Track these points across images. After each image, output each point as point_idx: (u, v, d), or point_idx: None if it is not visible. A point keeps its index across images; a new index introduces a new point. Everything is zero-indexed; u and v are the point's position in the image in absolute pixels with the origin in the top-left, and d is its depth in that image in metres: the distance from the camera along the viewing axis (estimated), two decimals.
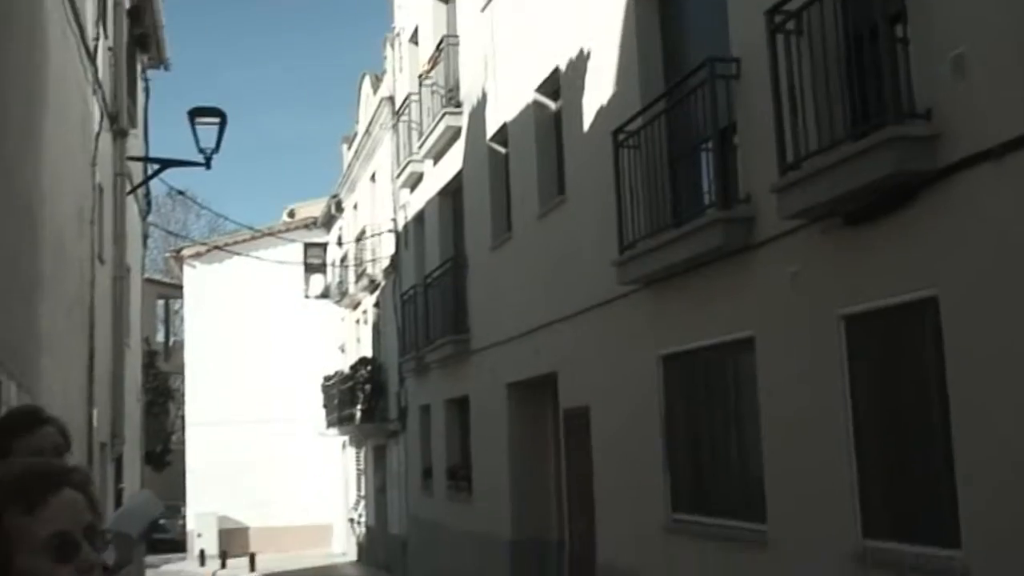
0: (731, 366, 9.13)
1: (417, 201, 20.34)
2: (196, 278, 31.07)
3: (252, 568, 25.71)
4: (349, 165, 27.15)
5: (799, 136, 7.12)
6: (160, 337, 35.56)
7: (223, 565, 26.97)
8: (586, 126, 11.96)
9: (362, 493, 26.56)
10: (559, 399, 12.92)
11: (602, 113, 11.39)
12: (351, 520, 27.58)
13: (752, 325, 8.36)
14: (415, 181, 20.32)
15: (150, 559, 29.64)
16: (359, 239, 25.20)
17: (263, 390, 29.30)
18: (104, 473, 12.69)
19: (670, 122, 9.63)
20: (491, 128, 15.51)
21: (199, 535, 29.17)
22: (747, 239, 8.30)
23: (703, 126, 8.88)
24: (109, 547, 3.71)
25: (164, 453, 27.75)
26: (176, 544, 29.86)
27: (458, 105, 17.19)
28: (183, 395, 30.97)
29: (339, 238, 28.73)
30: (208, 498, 29.26)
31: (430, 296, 17.88)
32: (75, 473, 1.93)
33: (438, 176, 18.66)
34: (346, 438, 27.59)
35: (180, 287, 32.50)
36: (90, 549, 1.82)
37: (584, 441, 11.85)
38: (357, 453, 27.41)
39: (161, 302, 36.20)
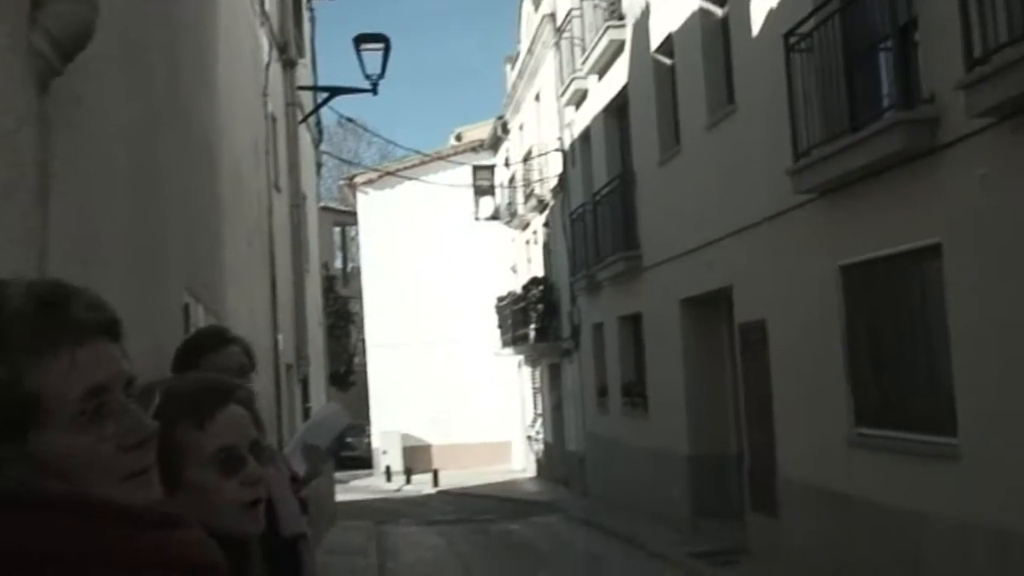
0: (916, 274, 8.72)
1: (582, 119, 20.14)
2: (369, 204, 31.83)
3: (435, 483, 26.57)
4: (513, 86, 27.08)
5: (987, 28, 6.61)
6: (338, 263, 36.76)
7: (408, 481, 27.97)
8: (755, 31, 11.50)
9: (538, 411, 26.95)
10: (734, 313, 12.70)
11: (771, 16, 10.91)
12: (529, 437, 28.09)
13: (938, 232, 7.93)
14: (580, 98, 20.09)
15: (339, 475, 31.07)
16: (526, 160, 25.22)
17: (439, 312, 30.00)
18: (291, 394, 13.26)
19: (844, 21, 9.13)
20: (655, 39, 15.13)
21: (384, 452, 30.32)
22: (931, 141, 7.84)
23: (880, 24, 8.38)
24: (300, 458, 3.76)
25: (347, 374, 28.79)
26: (363, 461, 31.14)
27: (621, 18, 16.81)
28: (363, 318, 31.99)
29: (506, 159, 28.84)
30: (391, 417, 30.33)
31: (599, 214, 17.77)
32: (241, 390, 1.95)
33: (603, 92, 18.39)
34: (521, 357, 27.98)
35: (354, 214, 33.40)
36: (255, 463, 1.84)
37: (761, 355, 11.62)
38: (532, 372, 27.78)
39: (337, 229, 37.33)
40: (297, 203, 14.57)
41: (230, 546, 1.87)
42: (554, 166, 22.62)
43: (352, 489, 26.08)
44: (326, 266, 24.64)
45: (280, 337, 11.79)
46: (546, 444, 25.78)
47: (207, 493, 1.89)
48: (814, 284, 10.16)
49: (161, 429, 1.84)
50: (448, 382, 30.21)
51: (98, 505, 1.28)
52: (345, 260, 38.55)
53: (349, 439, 37.20)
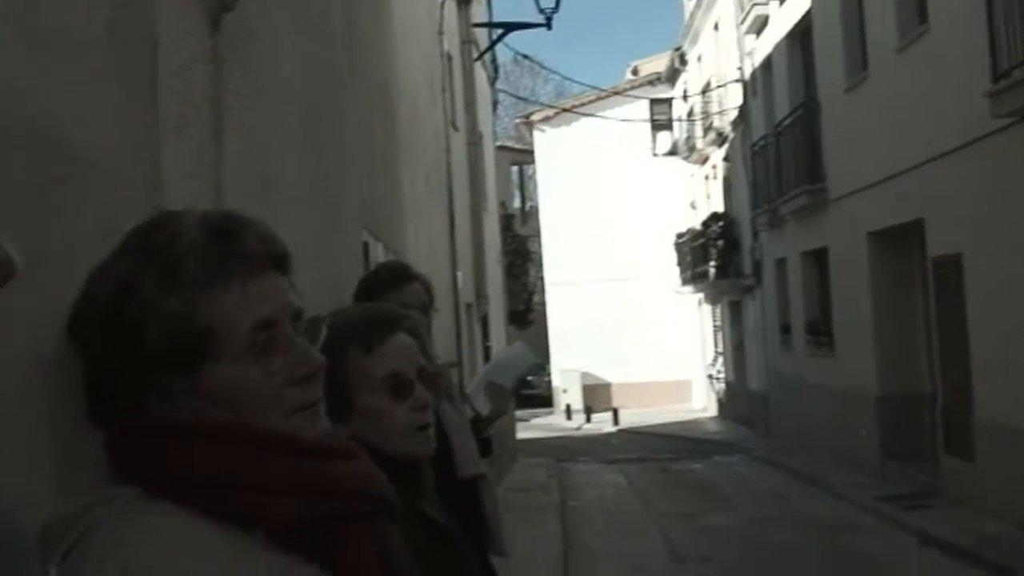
0: None
1: (763, 47, 19.43)
2: (546, 142, 31.79)
3: (615, 422, 26.64)
4: (691, 16, 26.37)
5: None
6: (516, 203, 37.00)
7: (588, 419, 28.15)
8: None
9: (719, 349, 26.58)
10: (926, 247, 12.07)
11: None
12: (710, 376, 27.76)
13: None
14: (760, 25, 19.37)
15: (519, 413, 31.57)
16: (704, 92, 24.60)
17: (617, 249, 29.83)
18: (471, 333, 13.44)
19: None
20: None
21: (564, 391, 30.56)
22: None
23: None
24: (483, 398, 3.71)
25: (526, 312, 29.07)
26: (543, 400, 31.50)
27: None
28: (541, 257, 32.15)
29: (684, 92, 28.20)
30: (571, 355, 30.49)
31: (782, 145, 17.18)
32: (407, 319, 1.95)
33: (785, 17, 17.66)
34: (701, 295, 27.59)
35: (531, 152, 33.44)
36: (423, 389, 1.84)
37: (956, 290, 11.01)
38: (712, 309, 27.38)
39: (515, 168, 37.51)
40: (474, 141, 14.64)
41: (402, 470, 1.89)
42: (734, 97, 21.98)
43: (533, 427, 26.45)
44: (504, 205, 24.79)
45: (459, 276, 11.93)
46: (727, 383, 25.42)
47: (379, 418, 1.92)
48: (1017, 215, 9.52)
49: (333, 357, 1.86)
50: (627, 320, 30.08)
51: (265, 435, 1.27)
52: (523, 199, 38.76)
53: (529, 377, 37.58)
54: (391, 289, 3.11)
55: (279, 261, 1.35)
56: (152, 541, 1.17)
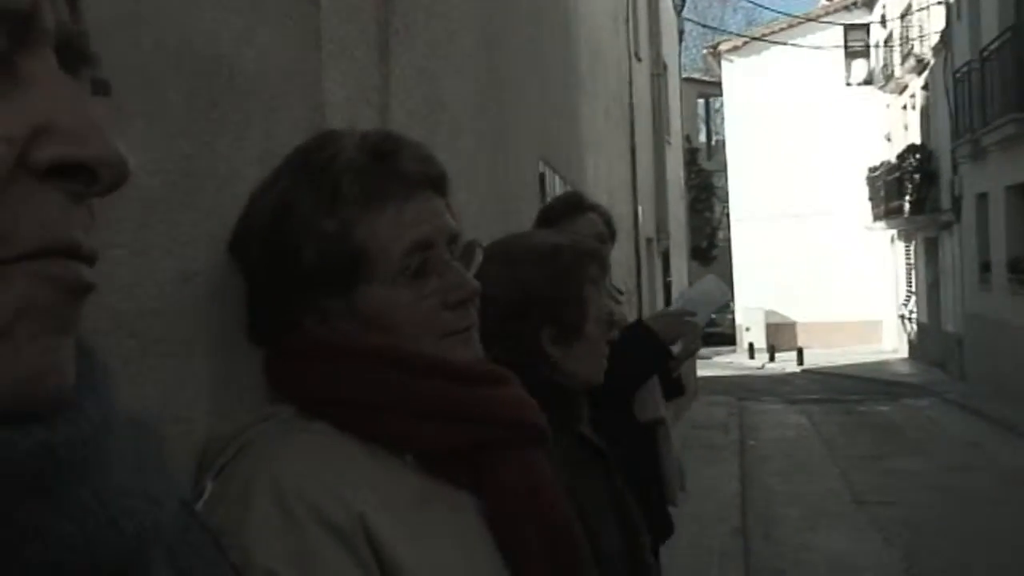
0: None
1: None
2: (734, 73, 30.87)
3: (800, 362, 26.00)
4: None
5: None
6: (702, 137, 36.25)
7: (771, 358, 27.59)
8: None
9: (912, 288, 25.47)
10: None
11: None
12: (901, 316, 26.69)
13: None
14: None
15: (701, 351, 31.18)
16: (904, 16, 23.30)
17: (806, 184, 28.83)
18: (652, 267, 13.30)
19: None
20: None
21: (747, 329, 29.98)
22: None
23: None
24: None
25: (709, 248, 28.56)
26: (726, 337, 31.01)
27: None
28: (727, 192, 31.45)
29: (882, 17, 26.79)
30: (755, 293, 29.81)
31: (987, 71, 16.14)
32: (599, 251, 2.00)
33: None
34: (894, 232, 26.45)
35: (719, 84, 32.57)
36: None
37: None
38: (906, 247, 26.21)
39: (701, 101, 36.68)
40: (658, 72, 14.35)
41: (577, 395, 1.91)
42: (936, 21, 20.73)
43: (715, 365, 26.14)
44: (688, 139, 24.30)
45: (640, 210, 11.78)
46: (919, 324, 24.38)
47: (596, 348, 1.92)
48: None
49: (574, 286, 1.91)
50: (815, 257, 29.14)
51: (416, 359, 1.26)
52: (709, 133, 37.95)
53: (713, 315, 37.04)
54: (566, 219, 3.05)
55: (436, 183, 1.33)
56: (302, 457, 1.19)
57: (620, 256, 10.40)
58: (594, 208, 3.16)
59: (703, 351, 23.33)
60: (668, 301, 15.06)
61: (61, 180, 0.52)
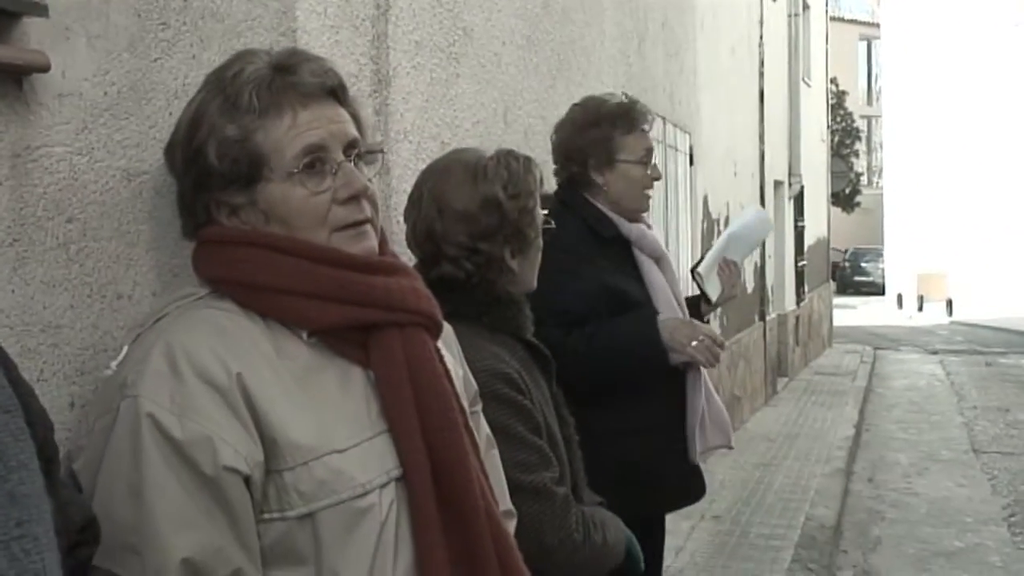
0: None
1: None
2: (894, 13, 29.58)
3: (949, 313, 25.12)
4: None
5: None
6: (863, 80, 34.99)
7: (919, 309, 26.74)
8: None
9: None
10: None
11: None
12: None
13: None
14: None
15: (849, 300, 30.50)
16: None
17: (969, 132, 27.53)
18: (780, 211, 13.10)
19: None
20: None
21: (897, 279, 29.08)
22: None
23: None
24: (715, 279, 3.30)
25: (852, 195, 27.71)
26: (876, 287, 30.19)
27: None
28: (877, 139, 30.38)
29: None
30: (906, 242, 28.84)
31: None
32: None
33: None
34: None
35: (879, 26, 31.34)
36: None
37: None
38: None
39: (863, 44, 35.35)
40: (796, 12, 13.98)
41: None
42: None
43: (859, 315, 25.49)
44: (835, 81, 23.53)
45: (766, 151, 11.61)
46: None
47: (535, 261, 2.12)
48: None
49: (530, 202, 2.03)
50: (972, 208, 27.91)
51: (314, 249, 1.45)
52: (871, 76, 36.60)
53: (863, 263, 36.19)
54: (637, 129, 2.94)
55: (335, 91, 1.51)
56: (197, 327, 1.39)
57: (743, 198, 10.33)
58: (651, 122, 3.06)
59: (849, 300, 22.74)
60: (800, 246, 14.83)
61: None
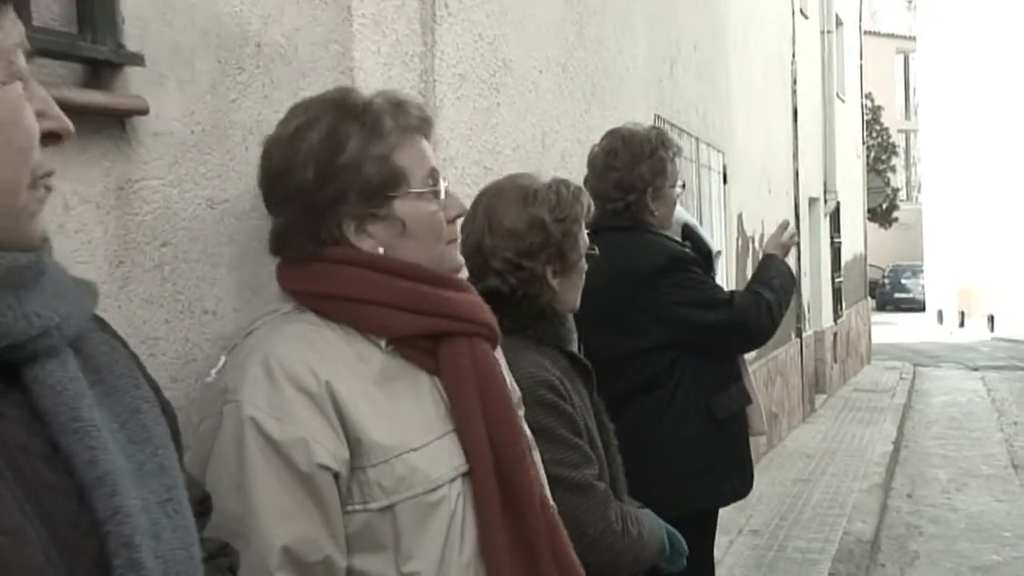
0: None
1: None
2: (930, 24, 29.48)
3: (991, 329, 24.93)
4: None
5: None
6: (899, 95, 34.88)
7: (961, 324, 26.55)
8: None
9: None
10: None
11: None
12: None
13: None
14: None
15: (889, 316, 30.32)
16: None
17: (1005, 145, 27.35)
18: (815, 227, 13.18)
19: None
20: None
21: (936, 295, 28.90)
22: None
23: None
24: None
25: (890, 211, 27.61)
26: (916, 303, 30.01)
27: None
28: (916, 153, 30.26)
29: None
30: (946, 258, 28.67)
31: None
32: None
33: None
34: None
35: (915, 39, 31.27)
36: None
37: None
38: None
39: (899, 58, 35.27)
40: (828, 29, 14.09)
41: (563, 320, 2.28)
42: None
43: (899, 331, 25.36)
44: (870, 96, 23.54)
45: (800, 168, 11.71)
46: None
47: (579, 281, 2.30)
48: None
49: (574, 227, 2.21)
50: (1014, 222, 27.68)
51: (396, 265, 1.62)
52: (908, 90, 36.48)
53: (903, 280, 36.02)
54: (671, 158, 3.19)
55: (428, 129, 1.71)
56: (287, 339, 1.55)
57: (777, 215, 10.43)
58: None
59: (889, 316, 22.58)
60: (837, 262, 14.87)
61: (47, 139, 0.95)
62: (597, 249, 2.31)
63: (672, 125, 5.84)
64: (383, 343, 1.60)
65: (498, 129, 3.01)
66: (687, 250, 3.19)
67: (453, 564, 1.55)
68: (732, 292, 3.24)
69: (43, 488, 0.91)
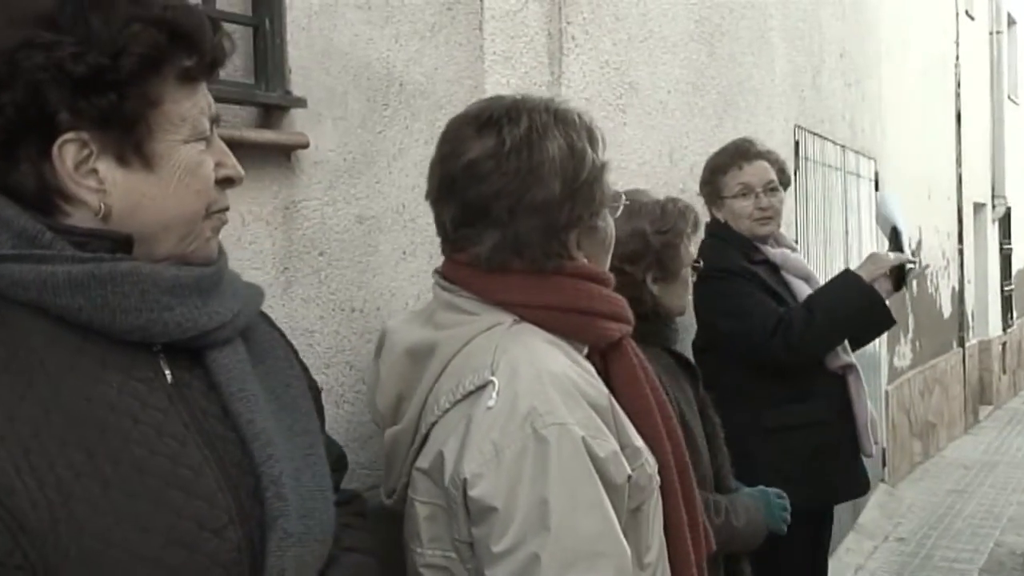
0: None
1: None
2: None
3: None
4: None
5: None
6: None
7: None
8: None
9: None
10: None
11: None
12: None
13: None
14: None
15: None
16: None
17: None
18: (983, 233, 12.83)
19: None
20: None
21: None
22: None
23: None
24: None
25: None
26: None
27: None
28: None
29: None
30: None
31: None
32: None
33: None
34: None
35: None
36: None
37: None
38: None
39: None
40: (998, 30, 13.68)
41: (666, 321, 2.50)
42: None
43: None
44: None
45: (964, 173, 11.45)
46: None
47: (685, 288, 2.51)
48: None
49: (674, 238, 2.44)
50: None
51: (599, 273, 1.69)
52: None
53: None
54: (734, 165, 3.35)
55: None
56: (554, 356, 1.56)
57: (938, 221, 10.27)
58: (764, 155, 3.40)
59: None
60: (1007, 270, 14.38)
61: (223, 183, 1.29)
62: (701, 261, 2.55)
63: (815, 134, 5.95)
64: (585, 350, 1.66)
65: (624, 147, 3.28)
66: (745, 263, 3.27)
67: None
68: (786, 309, 3.21)
69: (216, 438, 1.22)
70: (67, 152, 1.15)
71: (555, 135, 1.56)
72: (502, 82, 2.52)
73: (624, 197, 1.78)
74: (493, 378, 1.49)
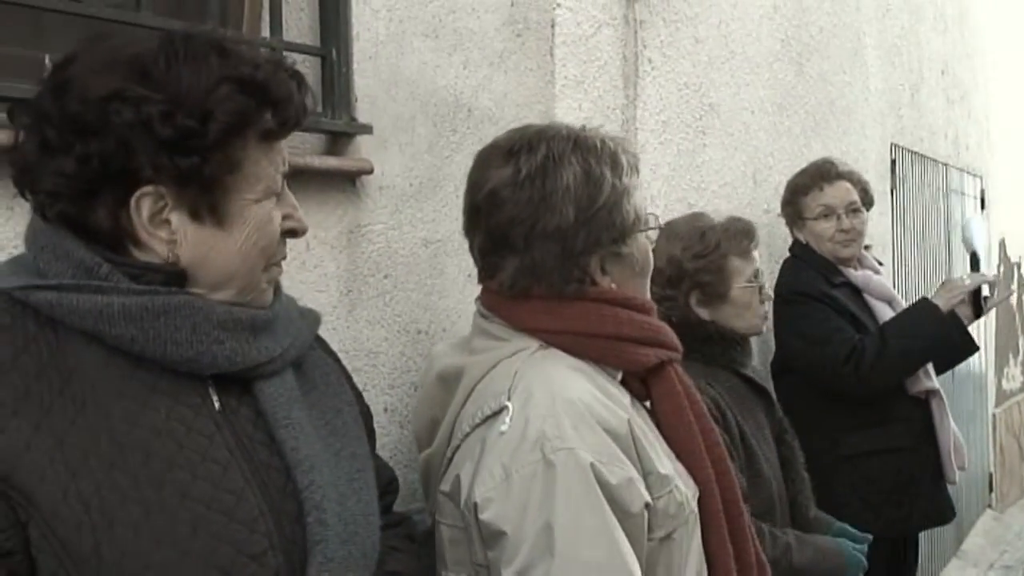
0: None
1: None
2: None
3: None
4: None
5: None
6: None
7: None
8: None
9: None
10: None
11: None
12: None
13: None
14: None
15: None
16: None
17: None
18: None
19: None
20: None
21: None
22: None
23: None
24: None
25: None
26: None
27: None
28: None
29: None
30: None
31: None
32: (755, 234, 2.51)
33: None
34: None
35: None
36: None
37: None
38: None
39: None
40: None
41: (738, 342, 2.48)
42: None
43: None
44: None
45: None
46: None
47: (745, 308, 2.50)
48: None
49: (717, 260, 2.47)
50: None
51: (629, 299, 1.67)
52: None
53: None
54: (815, 186, 3.32)
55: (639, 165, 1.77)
56: (573, 381, 1.56)
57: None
58: (846, 175, 3.36)
59: None
60: None
61: (288, 234, 1.34)
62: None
63: (914, 153, 5.81)
64: (619, 375, 1.65)
65: (704, 168, 3.26)
66: (825, 286, 3.22)
67: None
68: (860, 338, 3.13)
69: (261, 465, 1.26)
70: (144, 204, 1.20)
71: (571, 162, 1.57)
72: (574, 106, 2.54)
73: (658, 220, 1.75)
74: (508, 403, 1.51)
